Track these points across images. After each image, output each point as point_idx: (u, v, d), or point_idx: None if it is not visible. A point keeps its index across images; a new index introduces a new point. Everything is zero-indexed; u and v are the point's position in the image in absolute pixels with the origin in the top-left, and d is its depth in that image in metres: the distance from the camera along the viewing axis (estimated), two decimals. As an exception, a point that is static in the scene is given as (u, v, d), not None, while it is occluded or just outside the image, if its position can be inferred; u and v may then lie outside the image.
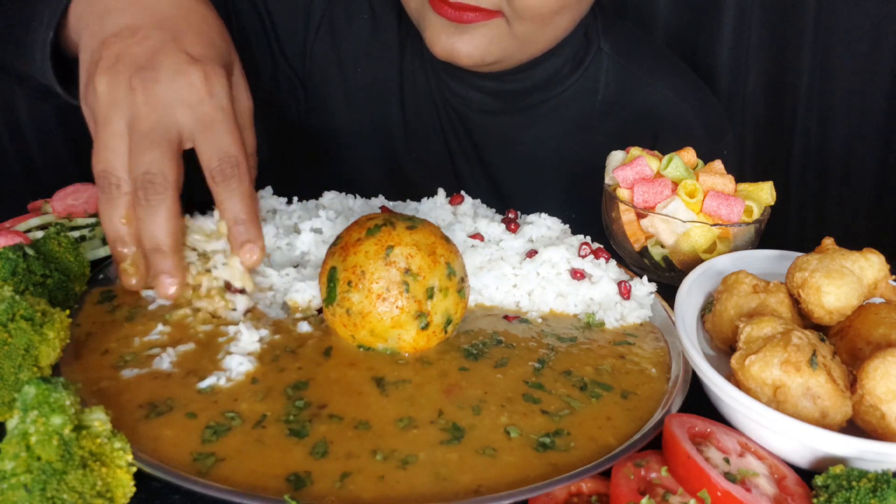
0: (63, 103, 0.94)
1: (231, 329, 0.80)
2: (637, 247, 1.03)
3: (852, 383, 0.72)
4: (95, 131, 0.74)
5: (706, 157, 1.07)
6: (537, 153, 1.31)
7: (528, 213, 1.06)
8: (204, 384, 0.73)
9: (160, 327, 0.80)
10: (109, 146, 0.73)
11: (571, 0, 1.08)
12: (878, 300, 0.85)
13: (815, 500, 0.62)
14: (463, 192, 1.08)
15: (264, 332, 0.80)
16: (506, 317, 0.90)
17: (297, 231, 0.96)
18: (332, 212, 0.98)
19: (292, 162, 1.43)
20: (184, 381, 0.73)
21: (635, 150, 1.06)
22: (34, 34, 0.85)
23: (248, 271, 0.80)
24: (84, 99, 0.77)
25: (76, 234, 0.97)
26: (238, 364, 0.75)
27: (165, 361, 0.75)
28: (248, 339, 0.78)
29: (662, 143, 1.26)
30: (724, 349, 0.85)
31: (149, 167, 0.72)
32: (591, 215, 1.10)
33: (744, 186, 1.04)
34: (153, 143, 0.72)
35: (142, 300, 0.85)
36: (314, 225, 0.96)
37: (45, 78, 0.88)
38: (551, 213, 1.05)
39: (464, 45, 1.07)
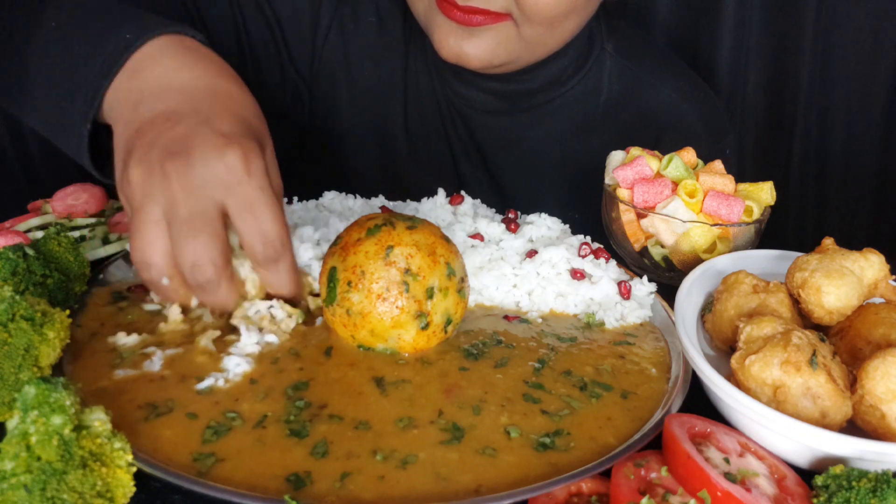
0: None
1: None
2: (637, 247, 1.03)
3: (852, 383, 0.72)
4: (131, 220, 0.73)
5: (707, 157, 1.07)
6: (540, 154, 1.31)
7: (531, 214, 1.06)
8: (203, 385, 0.73)
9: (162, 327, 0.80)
10: (145, 236, 0.72)
11: (579, 3, 1.07)
12: (878, 300, 0.85)
13: (815, 500, 0.62)
14: (463, 192, 1.08)
15: (271, 338, 0.80)
16: (506, 317, 0.90)
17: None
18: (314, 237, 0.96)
19: (294, 162, 1.43)
20: (182, 382, 0.73)
21: (635, 150, 1.06)
22: (68, 119, 0.83)
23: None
24: (120, 189, 0.75)
25: (76, 234, 0.97)
26: (235, 365, 0.75)
27: (156, 364, 0.75)
28: (248, 340, 0.78)
29: (664, 144, 1.26)
30: (724, 349, 0.85)
31: (196, 258, 0.71)
32: (594, 216, 1.10)
33: (744, 186, 1.04)
34: (195, 230, 0.71)
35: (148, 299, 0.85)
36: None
37: (80, 161, 0.86)
38: (554, 214, 1.05)
39: (472, 47, 1.07)
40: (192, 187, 0.70)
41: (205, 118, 0.74)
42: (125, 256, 0.93)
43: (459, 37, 1.07)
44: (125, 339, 0.78)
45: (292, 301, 0.83)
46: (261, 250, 0.73)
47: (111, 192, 1.08)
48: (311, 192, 1.09)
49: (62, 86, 0.83)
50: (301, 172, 1.43)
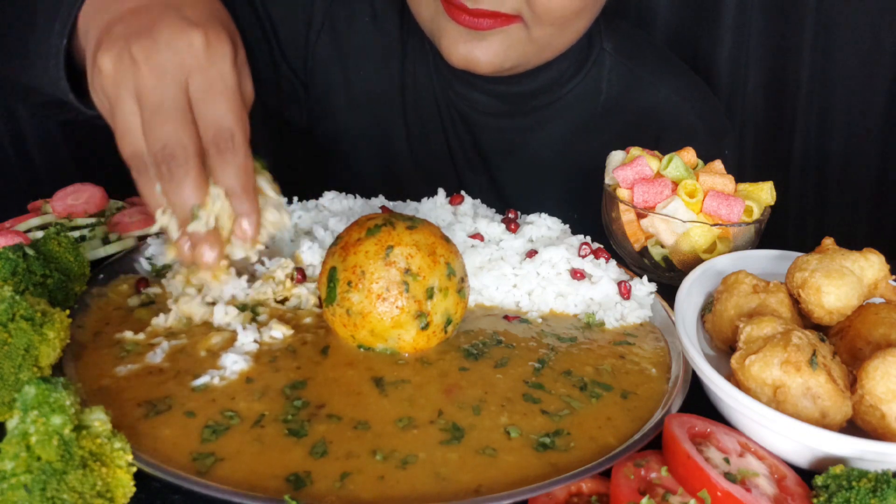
0: (70, 118, 0.92)
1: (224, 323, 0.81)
2: (637, 247, 1.03)
3: (852, 383, 0.72)
4: (111, 115, 0.72)
5: (707, 157, 1.07)
6: (540, 154, 1.31)
7: (530, 214, 1.06)
8: (199, 382, 0.73)
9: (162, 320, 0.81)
10: (128, 128, 0.70)
11: (589, 1, 1.07)
12: (878, 300, 0.85)
13: (815, 500, 0.62)
14: (463, 192, 1.08)
15: (277, 333, 0.80)
16: (506, 317, 0.90)
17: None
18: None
19: (293, 162, 1.43)
20: (179, 377, 0.73)
21: (635, 150, 1.06)
22: (44, 45, 0.84)
23: (250, 244, 0.78)
24: (92, 87, 0.74)
25: (76, 234, 0.97)
26: (233, 363, 0.75)
27: (158, 356, 0.76)
28: (245, 339, 0.78)
29: (665, 144, 1.26)
30: (724, 349, 0.85)
31: (165, 141, 0.69)
32: (595, 216, 1.10)
33: (744, 186, 1.04)
34: (164, 116, 0.69)
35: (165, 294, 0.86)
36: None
37: (58, 88, 0.86)
38: (554, 214, 1.05)
39: (482, 52, 1.06)
40: (158, 71, 0.70)
41: (174, 6, 0.74)
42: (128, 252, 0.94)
43: (468, 42, 1.06)
44: (132, 336, 0.79)
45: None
46: (211, 137, 0.71)
47: (111, 192, 1.08)
48: (310, 192, 1.09)
49: (37, 14, 0.84)
50: (300, 172, 1.43)
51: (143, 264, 0.93)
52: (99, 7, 0.79)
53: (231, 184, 0.72)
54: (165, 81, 0.70)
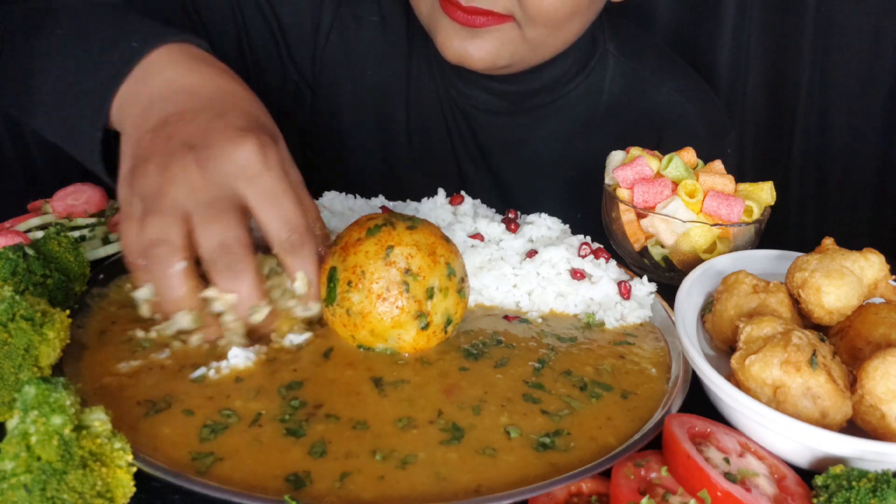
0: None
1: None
2: (637, 247, 1.03)
3: (852, 383, 0.72)
4: (146, 205, 0.72)
5: (708, 156, 1.07)
6: (543, 154, 1.32)
7: (531, 214, 1.06)
8: (196, 374, 0.73)
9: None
10: (165, 214, 0.70)
11: (583, 5, 1.08)
12: (878, 300, 0.85)
13: (815, 500, 0.62)
14: (463, 192, 1.08)
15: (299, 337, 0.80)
16: (506, 317, 0.90)
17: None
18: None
19: (296, 162, 1.43)
20: (182, 373, 0.74)
21: (635, 150, 1.06)
22: (77, 127, 0.84)
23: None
24: (127, 182, 0.74)
25: (76, 234, 0.97)
26: (233, 356, 0.75)
27: (165, 352, 0.76)
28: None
29: (666, 143, 1.27)
30: (724, 349, 0.85)
31: (223, 237, 0.71)
32: (597, 215, 1.10)
33: (744, 186, 1.04)
34: (219, 212, 0.71)
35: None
36: None
37: (93, 168, 0.86)
38: (555, 214, 1.05)
39: (475, 49, 1.07)
40: (212, 178, 0.71)
41: (218, 114, 0.75)
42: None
43: (463, 38, 1.07)
44: (144, 334, 0.79)
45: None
46: (286, 237, 0.74)
47: (111, 193, 1.08)
48: (313, 192, 1.09)
49: (70, 94, 0.84)
50: (304, 172, 1.43)
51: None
52: (137, 103, 0.79)
53: (312, 274, 0.77)
54: (220, 186, 0.72)
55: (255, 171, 0.72)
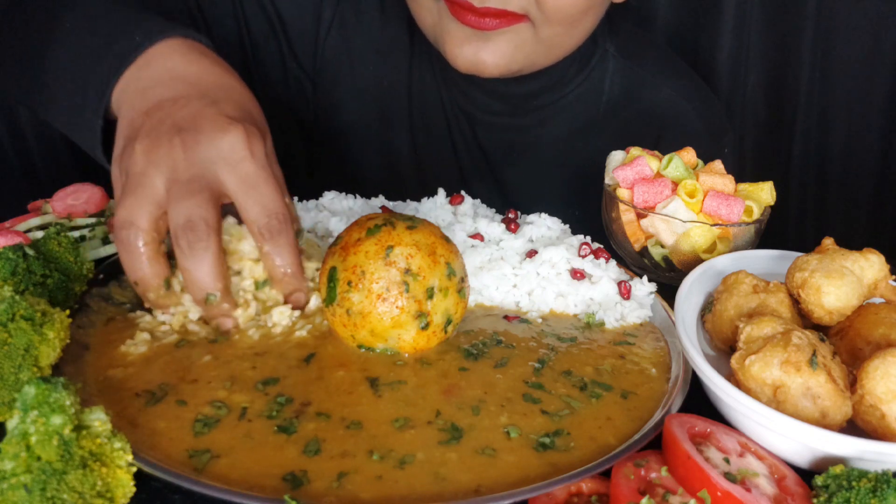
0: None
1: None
2: (637, 247, 1.03)
3: (852, 383, 0.72)
4: (126, 184, 0.74)
5: (707, 156, 1.07)
6: (543, 154, 1.32)
7: (531, 214, 1.06)
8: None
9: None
10: (138, 196, 0.73)
11: (597, 0, 1.07)
12: (878, 300, 0.85)
13: (815, 500, 0.62)
14: (463, 192, 1.08)
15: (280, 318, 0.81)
16: (506, 317, 0.90)
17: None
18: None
19: (296, 160, 1.43)
20: (174, 357, 0.76)
21: (635, 150, 1.06)
22: (81, 114, 0.86)
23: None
24: (118, 161, 0.77)
25: (76, 234, 0.97)
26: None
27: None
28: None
29: (665, 143, 1.27)
30: (724, 349, 0.85)
31: (189, 214, 0.72)
32: (597, 215, 1.10)
33: (744, 186, 1.04)
34: (193, 191, 0.73)
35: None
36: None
37: (94, 154, 0.89)
38: (556, 214, 1.05)
39: (489, 54, 1.06)
40: (195, 160, 0.73)
41: (211, 102, 0.78)
42: None
43: (474, 44, 1.05)
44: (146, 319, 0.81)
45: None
46: (264, 222, 0.75)
47: (111, 192, 1.08)
48: (314, 188, 1.09)
49: (75, 83, 0.87)
50: (304, 169, 1.43)
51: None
52: (136, 87, 0.81)
53: (285, 263, 0.78)
54: (202, 168, 0.74)
55: (237, 158, 0.74)
